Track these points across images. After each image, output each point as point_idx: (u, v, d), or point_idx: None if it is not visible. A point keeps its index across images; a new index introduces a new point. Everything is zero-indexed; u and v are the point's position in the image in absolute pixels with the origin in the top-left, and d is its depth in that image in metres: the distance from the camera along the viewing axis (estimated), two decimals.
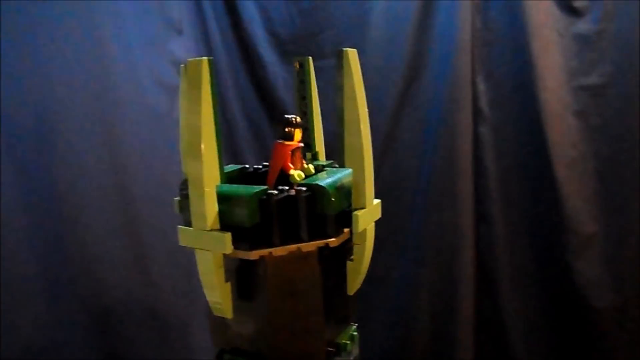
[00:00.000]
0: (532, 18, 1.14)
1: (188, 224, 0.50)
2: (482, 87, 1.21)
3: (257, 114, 1.33)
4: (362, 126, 0.50)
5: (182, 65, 0.55)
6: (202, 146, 0.47)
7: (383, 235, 1.33)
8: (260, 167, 0.64)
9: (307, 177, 0.56)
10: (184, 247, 1.30)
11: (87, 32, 1.05)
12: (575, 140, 1.19)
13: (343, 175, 0.54)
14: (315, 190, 0.49)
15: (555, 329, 1.29)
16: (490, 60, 1.20)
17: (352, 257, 0.56)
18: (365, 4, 1.22)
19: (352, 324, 0.62)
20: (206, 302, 0.53)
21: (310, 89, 0.63)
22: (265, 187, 0.51)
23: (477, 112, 1.23)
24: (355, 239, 0.54)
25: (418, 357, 1.33)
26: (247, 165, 0.65)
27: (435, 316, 1.32)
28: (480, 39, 1.19)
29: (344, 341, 0.58)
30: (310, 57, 0.62)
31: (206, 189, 0.47)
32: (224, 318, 0.52)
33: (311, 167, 0.59)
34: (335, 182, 0.51)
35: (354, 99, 0.50)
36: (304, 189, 0.50)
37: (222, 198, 0.48)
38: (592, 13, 1.14)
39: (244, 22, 1.25)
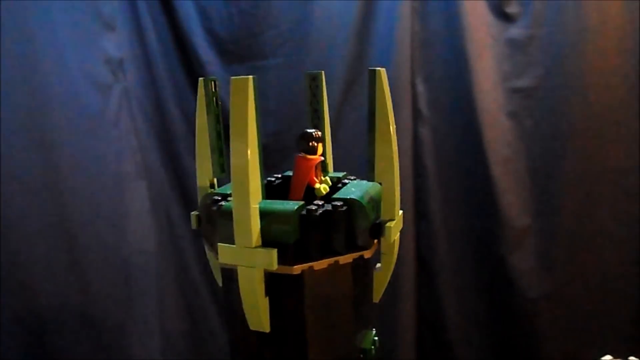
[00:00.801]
0: (467, 23, 1.17)
1: (212, 239, 0.50)
2: (421, 88, 1.24)
3: (195, 114, 1.30)
4: (392, 143, 0.52)
5: (201, 78, 0.55)
6: (250, 163, 0.46)
7: None
8: (273, 179, 0.64)
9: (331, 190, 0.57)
10: (119, 250, 1.26)
11: (16, 30, 1.00)
12: (509, 140, 1.24)
13: (369, 188, 0.55)
14: (351, 204, 0.50)
15: (492, 318, 1.35)
16: (429, 62, 1.23)
17: (379, 266, 0.57)
18: (306, 5, 1.21)
19: (372, 329, 0.63)
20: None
21: (322, 102, 0.64)
22: (301, 202, 0.51)
23: (416, 113, 1.25)
24: (383, 250, 0.55)
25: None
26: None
27: (379, 312, 1.34)
28: (419, 42, 1.21)
29: (369, 347, 0.60)
30: (322, 72, 0.64)
31: (253, 206, 0.47)
32: (251, 332, 0.52)
33: (328, 179, 0.60)
34: (366, 195, 0.53)
35: (386, 117, 0.52)
36: (340, 203, 0.50)
37: (263, 214, 0.48)
38: (522, 19, 1.19)
39: (180, 20, 1.22)
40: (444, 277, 1.34)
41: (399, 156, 1.26)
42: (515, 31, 1.19)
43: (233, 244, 0.48)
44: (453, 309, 1.35)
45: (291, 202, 0.50)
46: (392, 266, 0.55)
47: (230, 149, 0.47)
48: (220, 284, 0.59)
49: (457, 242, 1.33)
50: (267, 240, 0.48)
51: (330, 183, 0.59)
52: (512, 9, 1.18)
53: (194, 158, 1.31)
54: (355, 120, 1.26)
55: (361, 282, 0.57)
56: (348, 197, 0.51)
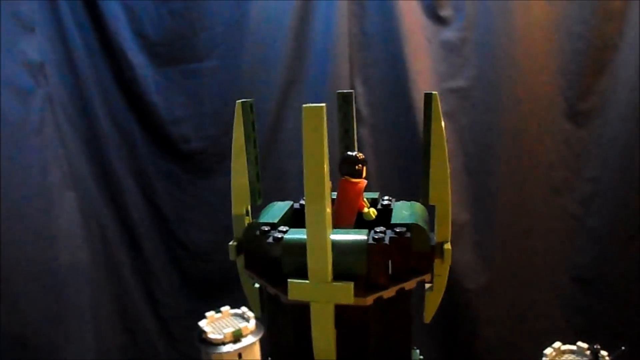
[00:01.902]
0: (403, 25, 1.18)
1: (261, 272, 0.49)
2: (360, 89, 1.24)
3: (126, 119, 1.25)
4: (447, 169, 0.52)
5: (238, 101, 0.53)
6: (326, 196, 0.44)
7: None
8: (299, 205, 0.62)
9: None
10: (49, 265, 1.20)
11: None
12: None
13: (418, 210, 0.55)
14: (413, 230, 0.50)
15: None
16: (367, 64, 1.23)
17: (430, 286, 0.56)
18: (241, 6, 1.18)
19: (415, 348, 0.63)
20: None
21: (353, 122, 0.63)
22: (364, 230, 0.49)
23: (356, 114, 1.25)
24: (437, 271, 0.54)
25: None
26: (292, 202, 0.62)
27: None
28: (357, 44, 1.21)
29: None
30: (353, 92, 0.62)
31: (328, 238, 0.45)
32: None
33: (366, 201, 0.58)
34: (420, 219, 0.53)
35: (442, 143, 0.51)
36: (403, 229, 0.49)
37: (333, 246, 0.46)
38: (455, 22, 1.21)
39: (107, 21, 1.15)
40: None
41: (337, 156, 1.27)
42: (449, 34, 1.21)
43: (300, 278, 0.46)
44: None
45: (355, 231, 0.49)
46: (444, 286, 0.55)
47: (305, 181, 0.44)
48: (259, 314, 0.58)
49: None
50: (338, 273, 0.47)
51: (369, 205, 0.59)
52: (445, 12, 1.20)
53: (126, 166, 1.27)
54: (295, 122, 1.25)
55: (417, 304, 0.57)
56: (409, 222, 0.51)
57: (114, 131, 1.25)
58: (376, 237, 0.48)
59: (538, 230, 1.33)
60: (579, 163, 1.29)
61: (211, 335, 0.91)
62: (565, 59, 1.21)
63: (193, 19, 1.17)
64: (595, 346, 0.90)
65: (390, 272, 0.49)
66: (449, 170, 0.51)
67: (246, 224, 0.55)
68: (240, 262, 0.54)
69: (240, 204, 0.55)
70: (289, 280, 0.47)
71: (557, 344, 0.94)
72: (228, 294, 1.34)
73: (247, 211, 0.56)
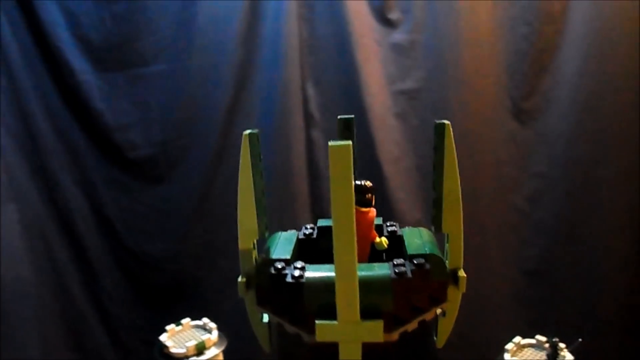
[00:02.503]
0: (353, 28, 1.18)
1: (277, 309, 0.48)
2: (311, 92, 1.23)
3: (69, 127, 1.20)
4: (460, 199, 0.52)
5: (245, 133, 0.51)
6: (354, 237, 0.44)
7: (222, 243, 1.32)
8: (310, 231, 0.60)
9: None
10: None
11: None
12: (398, 140, 1.28)
13: (429, 237, 0.55)
14: (431, 260, 0.50)
15: None
16: (318, 66, 1.22)
17: (444, 312, 0.55)
18: (187, 7, 1.15)
19: None
20: None
21: (355, 148, 0.60)
22: (384, 264, 0.48)
23: (308, 117, 1.25)
24: (451, 298, 0.53)
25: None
26: (296, 232, 0.60)
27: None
28: (307, 47, 1.21)
29: None
30: (353, 117, 0.62)
31: (356, 276, 0.44)
32: None
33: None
34: (435, 248, 0.52)
35: (455, 174, 0.51)
36: (422, 261, 0.49)
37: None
38: (404, 25, 1.22)
39: (44, 25, 1.10)
40: None
41: (294, 159, 1.27)
42: (398, 36, 1.22)
43: (323, 316, 0.45)
44: None
45: (377, 267, 0.49)
46: (457, 312, 0.55)
47: (334, 221, 0.43)
48: (269, 349, 0.56)
49: None
50: (364, 310, 0.46)
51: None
52: (393, 15, 1.21)
53: (71, 176, 1.22)
54: (246, 128, 1.22)
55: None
56: (426, 252, 0.51)
57: (56, 140, 1.19)
58: (398, 271, 0.48)
59: (489, 226, 1.36)
60: (525, 160, 1.33)
61: (173, 350, 0.88)
62: (510, 60, 1.24)
63: (137, 21, 1.13)
64: (553, 339, 0.93)
65: (412, 304, 0.49)
66: (461, 200, 0.51)
67: (254, 259, 0.53)
68: (249, 297, 0.52)
69: (247, 238, 0.53)
70: (317, 322, 0.46)
71: (517, 339, 0.96)
72: (183, 304, 1.31)
73: (253, 245, 0.55)
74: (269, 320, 0.54)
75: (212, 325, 0.95)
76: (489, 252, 1.37)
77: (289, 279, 0.48)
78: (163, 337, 0.92)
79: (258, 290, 0.51)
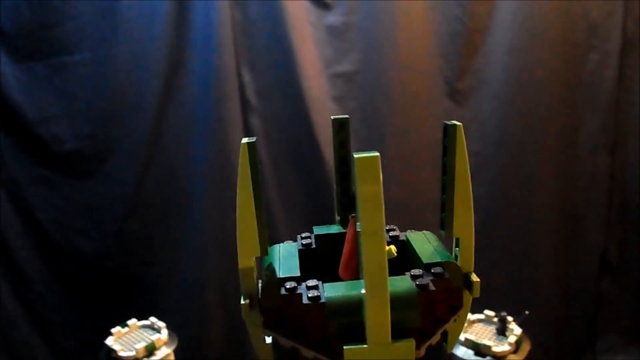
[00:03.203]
0: (287, 11, 1.16)
1: (281, 332, 0.44)
2: (247, 78, 1.20)
3: None
4: (471, 199, 0.50)
5: (244, 142, 0.44)
6: (385, 250, 0.41)
7: (160, 237, 1.28)
8: (309, 241, 0.55)
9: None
10: None
11: None
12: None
13: (435, 241, 0.53)
14: (447, 267, 0.47)
15: None
16: (253, 51, 1.19)
17: (456, 318, 0.52)
18: None
19: None
20: None
21: (350, 149, 0.58)
22: (404, 277, 0.46)
23: (245, 103, 1.22)
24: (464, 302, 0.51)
25: (213, 342, 1.33)
26: (293, 242, 0.56)
27: (226, 304, 1.32)
28: (240, 31, 1.17)
29: None
30: (348, 117, 0.57)
31: (387, 296, 0.41)
32: None
33: None
34: (445, 253, 0.50)
35: (466, 174, 0.49)
36: (440, 270, 0.46)
37: None
38: (338, 7, 1.21)
39: None
40: None
41: (232, 147, 1.24)
42: (333, 19, 1.21)
43: (348, 338, 0.42)
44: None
45: (398, 280, 0.46)
46: (467, 316, 0.54)
47: (363, 236, 0.40)
48: None
49: (297, 225, 1.34)
50: (392, 329, 0.43)
51: None
52: None
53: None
54: (180, 118, 1.19)
55: None
56: (441, 259, 0.49)
57: None
58: (419, 283, 0.46)
59: (427, 204, 1.39)
60: None
61: (122, 354, 0.84)
62: (444, 41, 1.26)
63: (56, 7, 1.05)
64: (502, 314, 0.96)
65: (435, 316, 0.47)
66: (472, 203, 0.50)
67: (257, 278, 0.49)
68: (251, 319, 0.49)
69: (247, 255, 0.49)
70: (345, 347, 0.43)
71: (487, 312, 0.99)
72: (123, 303, 1.26)
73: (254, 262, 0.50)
74: (273, 341, 0.50)
75: (161, 324, 0.91)
76: (429, 229, 1.41)
77: (305, 301, 0.44)
78: (109, 341, 0.87)
79: (266, 313, 0.47)
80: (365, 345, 0.42)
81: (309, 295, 0.44)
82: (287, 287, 0.45)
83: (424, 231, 0.56)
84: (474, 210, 0.51)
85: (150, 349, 0.85)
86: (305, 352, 0.46)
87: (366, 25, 1.21)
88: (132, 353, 0.83)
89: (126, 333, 0.91)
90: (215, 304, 1.32)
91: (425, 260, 0.49)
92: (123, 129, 1.19)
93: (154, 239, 1.28)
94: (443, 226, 0.51)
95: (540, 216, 1.36)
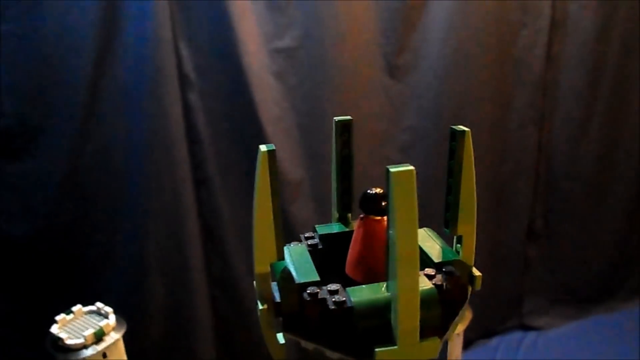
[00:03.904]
0: None
1: (304, 335, 0.46)
2: (185, 52, 1.17)
3: None
4: (475, 201, 0.52)
5: (263, 150, 0.46)
6: (417, 260, 0.43)
7: (97, 217, 1.24)
8: (315, 242, 0.57)
9: None
10: None
11: None
12: (277, 99, 1.27)
13: (438, 238, 0.55)
14: (456, 265, 0.50)
15: None
16: (191, 25, 1.15)
17: None
18: None
19: None
20: None
21: (352, 149, 0.61)
22: (421, 277, 0.47)
23: (183, 79, 1.19)
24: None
25: (157, 324, 1.32)
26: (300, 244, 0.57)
27: (167, 284, 1.31)
28: (177, 4, 1.13)
29: None
30: (351, 119, 0.59)
31: (418, 300, 0.43)
32: None
33: None
34: (451, 250, 0.53)
35: (472, 177, 0.51)
36: (451, 268, 0.49)
37: None
38: None
39: None
40: (231, 239, 1.35)
41: (171, 124, 1.21)
42: None
43: (375, 340, 0.44)
44: (243, 268, 1.38)
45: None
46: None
47: (398, 247, 0.42)
48: None
49: (239, 204, 1.34)
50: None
51: None
52: None
53: None
54: (115, 93, 1.14)
55: None
56: (451, 258, 0.51)
57: None
58: (435, 282, 0.48)
59: (365, 178, 1.42)
60: (397, 114, 1.40)
61: (69, 341, 0.80)
62: (383, 17, 1.27)
63: None
64: None
65: (449, 313, 0.49)
66: (476, 204, 0.52)
67: (277, 284, 0.50)
68: (268, 320, 0.50)
69: (264, 261, 0.49)
70: (377, 350, 0.44)
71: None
72: (58, 288, 1.22)
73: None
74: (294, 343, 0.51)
75: (108, 309, 0.88)
76: None
77: (331, 306, 0.46)
78: (54, 329, 0.84)
79: (287, 317, 0.48)
80: (395, 347, 0.44)
81: (334, 300, 0.46)
82: (310, 292, 0.46)
83: (425, 228, 0.58)
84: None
85: (99, 335, 0.82)
86: (329, 353, 0.47)
87: (306, 1, 1.20)
88: (81, 340, 0.81)
89: (71, 320, 0.87)
90: (157, 285, 1.30)
91: (435, 259, 0.52)
92: (52, 106, 1.13)
93: (90, 219, 1.23)
94: (447, 225, 0.54)
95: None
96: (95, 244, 1.24)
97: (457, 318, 0.50)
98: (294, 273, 0.50)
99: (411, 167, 0.41)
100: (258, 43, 1.20)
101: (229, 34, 1.16)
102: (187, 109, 1.21)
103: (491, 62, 1.39)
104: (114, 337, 0.83)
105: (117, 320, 0.87)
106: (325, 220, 1.51)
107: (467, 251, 0.55)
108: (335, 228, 0.59)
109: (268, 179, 0.47)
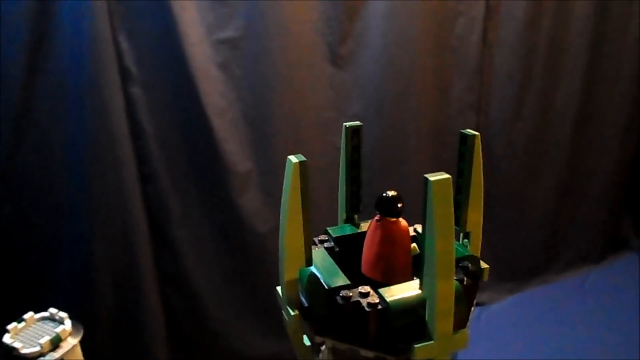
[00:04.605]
0: None
1: (338, 336, 0.48)
2: (125, 45, 1.13)
3: None
4: (482, 201, 0.55)
5: (294, 160, 0.48)
6: (453, 263, 0.46)
7: (37, 215, 1.19)
8: (330, 245, 0.59)
9: None
10: None
11: None
12: (222, 90, 1.26)
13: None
14: (471, 260, 0.53)
15: (230, 258, 1.41)
16: (131, 17, 1.12)
17: None
18: None
19: None
20: None
21: (361, 153, 0.62)
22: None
23: (124, 72, 1.15)
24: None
25: (108, 325, 1.29)
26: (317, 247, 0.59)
27: (117, 284, 1.28)
28: None
29: None
30: (361, 125, 0.60)
31: (453, 298, 0.47)
32: None
33: None
34: (462, 246, 0.56)
35: (480, 179, 0.54)
36: (467, 263, 0.51)
37: None
38: None
39: None
40: (179, 234, 1.33)
41: (113, 119, 1.17)
42: None
43: (408, 337, 0.47)
44: (193, 260, 1.37)
45: None
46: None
47: (438, 251, 0.45)
48: None
49: (187, 198, 1.32)
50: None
51: None
52: None
53: None
54: (52, 89, 1.09)
55: None
56: (466, 254, 0.53)
57: None
58: (457, 278, 0.50)
59: (315, 167, 1.43)
60: (342, 102, 1.41)
61: (25, 350, 0.76)
62: (326, 6, 1.28)
63: None
64: None
65: (469, 305, 0.52)
66: (483, 203, 0.55)
67: (303, 289, 0.52)
68: (296, 324, 0.51)
69: (293, 269, 0.51)
70: (416, 346, 0.46)
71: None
72: (5, 292, 1.17)
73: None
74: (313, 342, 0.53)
75: (63, 314, 0.85)
76: (316, 190, 1.45)
77: (367, 308, 0.47)
78: (7, 339, 0.80)
79: (320, 321, 0.50)
80: (432, 342, 0.47)
81: (368, 302, 0.48)
82: (343, 295, 0.48)
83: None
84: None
85: (56, 342, 0.79)
86: (365, 352, 0.49)
87: None
88: (37, 349, 0.77)
89: (24, 328, 0.83)
90: (106, 286, 1.26)
91: (457, 255, 0.55)
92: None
93: (29, 222, 1.18)
94: (457, 222, 0.57)
95: (416, 172, 1.47)
96: (37, 247, 1.20)
97: (473, 308, 0.54)
98: (322, 278, 0.51)
99: (448, 176, 0.43)
100: (201, 34, 1.18)
101: (170, 25, 1.13)
102: (129, 104, 1.18)
103: (431, 49, 1.43)
104: (71, 342, 0.80)
105: (73, 325, 0.84)
106: (275, 211, 1.52)
107: (475, 246, 0.58)
108: (347, 230, 0.61)
109: (299, 189, 0.49)
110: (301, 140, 1.39)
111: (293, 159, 0.49)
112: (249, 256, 1.42)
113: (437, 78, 1.49)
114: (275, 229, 1.46)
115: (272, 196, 1.39)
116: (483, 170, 0.56)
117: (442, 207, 0.44)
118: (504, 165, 1.68)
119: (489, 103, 1.61)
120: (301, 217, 0.50)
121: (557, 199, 1.79)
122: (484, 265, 0.56)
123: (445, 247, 0.45)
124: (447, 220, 0.45)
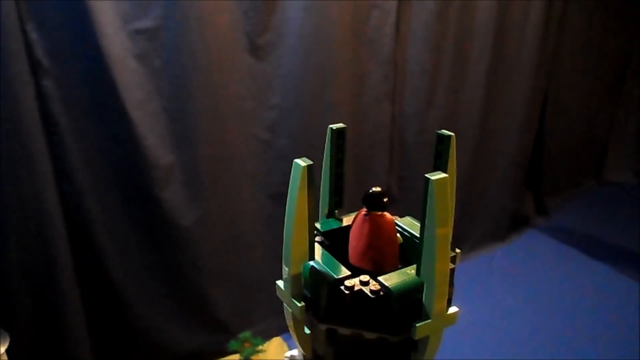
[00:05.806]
0: None
1: (344, 323, 0.53)
2: (34, 36, 1.08)
3: None
4: (454, 193, 0.57)
5: (302, 164, 0.49)
6: (448, 251, 0.51)
7: None
8: (321, 239, 0.61)
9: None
10: None
11: None
12: (141, 82, 1.23)
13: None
14: (452, 248, 0.55)
15: (155, 252, 1.39)
16: (40, 7, 1.07)
17: None
18: None
19: None
20: None
21: (345, 153, 0.65)
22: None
23: (35, 64, 1.10)
24: None
25: (26, 328, 1.24)
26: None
27: (34, 285, 1.23)
28: None
29: None
30: (345, 127, 0.63)
31: (447, 281, 0.52)
32: None
33: None
34: None
35: (453, 174, 0.56)
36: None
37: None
38: None
39: None
40: (99, 231, 1.29)
41: (24, 113, 1.11)
42: None
43: (408, 317, 0.52)
44: (114, 258, 1.34)
45: None
46: None
47: (437, 243, 0.49)
48: (310, 356, 0.59)
49: (107, 194, 1.28)
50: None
51: None
52: None
53: None
54: None
55: None
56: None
57: None
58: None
59: (236, 158, 1.44)
60: (262, 93, 1.43)
61: None
62: None
63: None
64: None
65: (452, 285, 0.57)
66: (455, 196, 0.57)
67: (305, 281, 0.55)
68: (299, 314, 0.55)
69: (298, 263, 0.55)
70: (417, 325, 0.52)
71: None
72: None
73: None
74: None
75: None
76: (239, 183, 1.46)
77: (371, 295, 0.52)
78: None
79: (327, 310, 0.54)
80: (430, 320, 0.52)
81: (371, 289, 0.52)
82: (348, 285, 0.52)
83: (408, 217, 0.64)
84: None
85: None
86: (368, 334, 0.54)
87: None
88: None
89: None
90: (22, 287, 1.21)
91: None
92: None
93: None
94: None
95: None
96: None
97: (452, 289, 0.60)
98: (323, 270, 0.55)
99: (445, 175, 0.49)
100: (116, 24, 1.15)
101: (83, 15, 1.09)
102: (40, 96, 1.13)
103: (347, 40, 1.48)
104: None
105: (0, 334, 0.80)
106: (198, 204, 1.51)
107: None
108: (333, 224, 0.64)
109: (306, 191, 0.51)
110: (222, 131, 1.39)
111: (300, 162, 0.51)
112: (173, 250, 1.41)
113: (354, 68, 1.54)
114: (199, 221, 1.46)
115: (194, 189, 1.39)
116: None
117: (441, 203, 0.50)
118: (416, 152, 1.76)
119: (402, 93, 1.69)
120: (307, 217, 0.53)
121: (466, 182, 1.92)
122: (457, 250, 0.61)
123: (445, 234, 0.51)
124: (445, 212, 0.50)
